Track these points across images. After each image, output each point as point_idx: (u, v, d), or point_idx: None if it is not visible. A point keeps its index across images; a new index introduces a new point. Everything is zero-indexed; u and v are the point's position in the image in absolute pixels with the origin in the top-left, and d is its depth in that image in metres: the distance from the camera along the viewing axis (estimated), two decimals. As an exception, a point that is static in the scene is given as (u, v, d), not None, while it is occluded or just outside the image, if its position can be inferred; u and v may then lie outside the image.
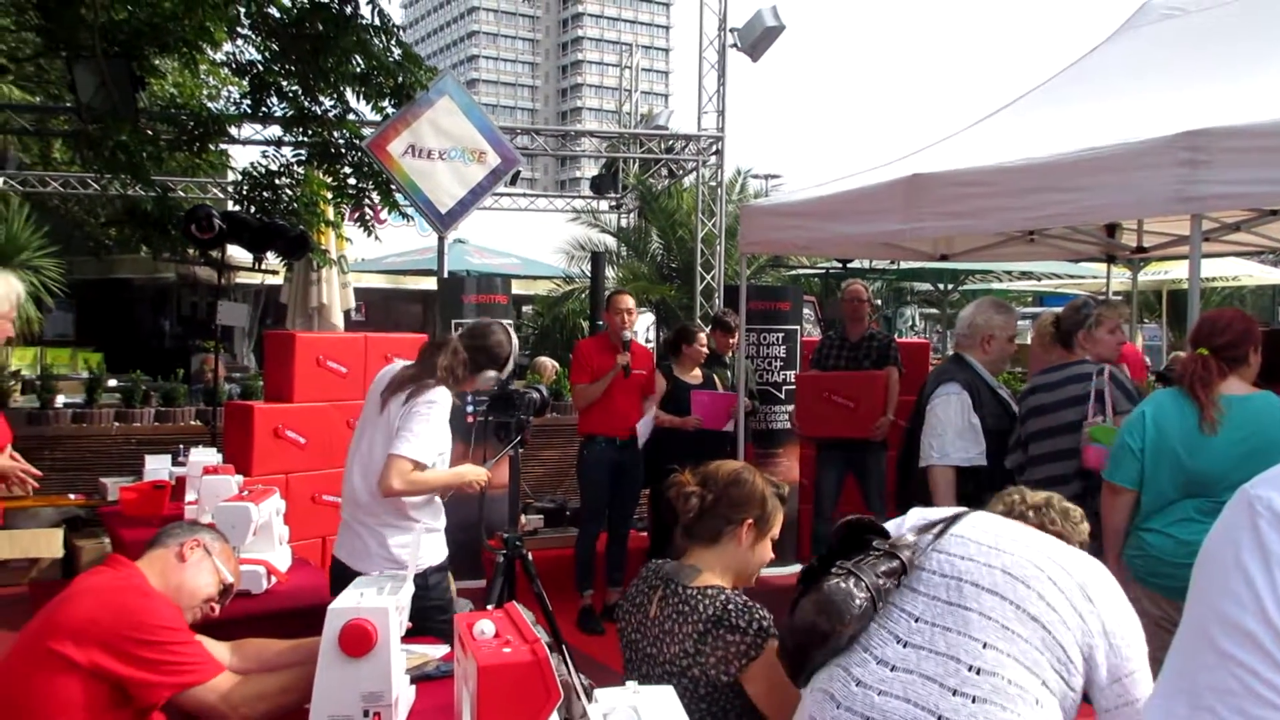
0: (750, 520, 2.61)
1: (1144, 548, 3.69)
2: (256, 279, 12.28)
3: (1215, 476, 3.51)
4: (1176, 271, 13.82)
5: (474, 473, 3.81)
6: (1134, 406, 4.07)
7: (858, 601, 2.04)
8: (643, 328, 14.95)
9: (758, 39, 11.33)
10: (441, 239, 8.71)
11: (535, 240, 17.27)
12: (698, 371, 6.87)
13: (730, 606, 2.45)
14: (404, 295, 16.72)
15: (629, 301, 6.50)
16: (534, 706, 1.92)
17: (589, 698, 1.74)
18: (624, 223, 16.28)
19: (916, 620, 2.04)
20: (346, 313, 10.66)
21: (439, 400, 3.58)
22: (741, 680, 2.41)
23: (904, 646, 2.02)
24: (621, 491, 6.48)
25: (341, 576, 3.55)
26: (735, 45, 11.50)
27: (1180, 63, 5.19)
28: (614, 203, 15.70)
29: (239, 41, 8.45)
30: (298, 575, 4.16)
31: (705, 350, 6.87)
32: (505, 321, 4.10)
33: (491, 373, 3.86)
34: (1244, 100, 4.05)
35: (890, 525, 2.34)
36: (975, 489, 4.43)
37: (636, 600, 2.65)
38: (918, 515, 2.33)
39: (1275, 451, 3.36)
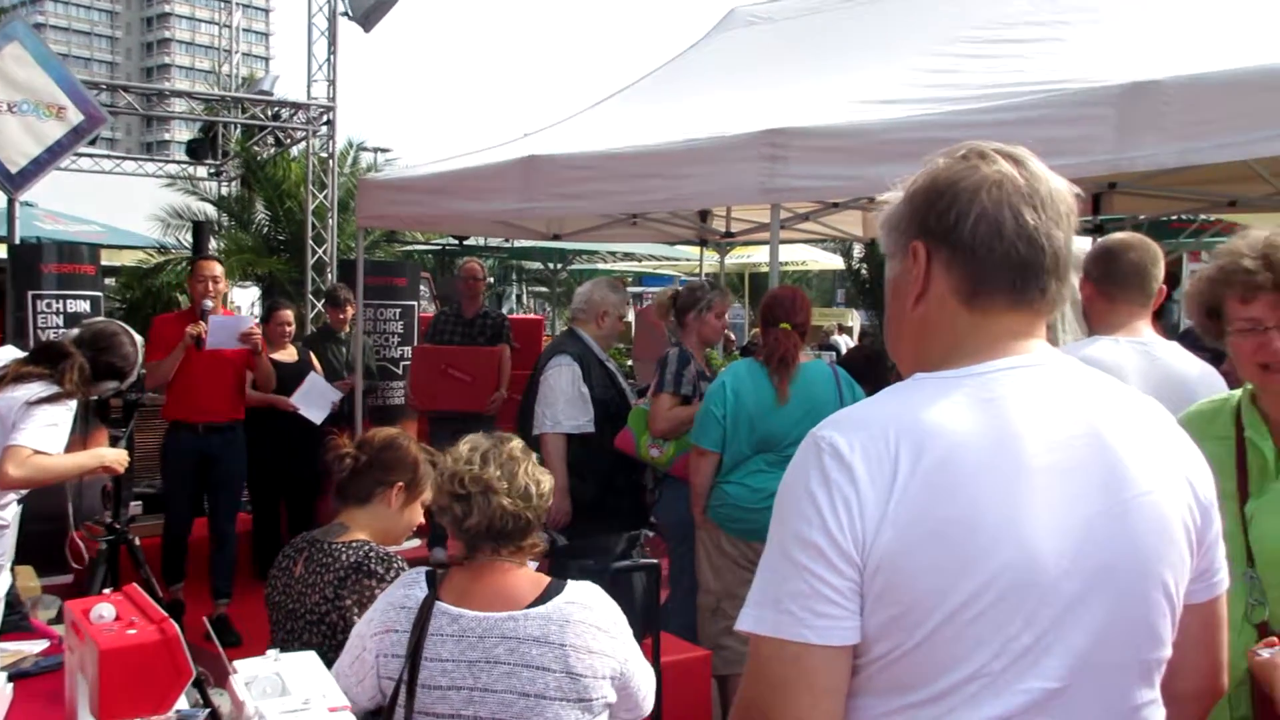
0: (401, 483, 2.72)
1: (725, 498, 4.20)
2: None
3: (781, 434, 4.09)
4: (757, 256, 15.30)
5: (113, 454, 3.57)
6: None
7: None
8: (247, 303, 14.19)
9: (370, 9, 11.08)
10: (12, 202, 7.77)
11: (121, 206, 15.75)
12: (293, 349, 6.60)
13: (371, 554, 2.57)
14: (-47, 264, 14.63)
15: (215, 269, 5.86)
16: (163, 687, 1.87)
17: (228, 671, 1.72)
18: (226, 191, 15.31)
19: None
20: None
21: (66, 421, 3.32)
22: None
23: None
24: (216, 483, 5.83)
25: None
26: (346, 14, 11.19)
27: (765, 65, 5.80)
28: (214, 169, 14.72)
29: None
30: None
31: (290, 327, 6.55)
32: (128, 328, 3.77)
33: (112, 384, 3.59)
34: (817, 103, 4.62)
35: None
36: (584, 454, 4.75)
37: (283, 565, 2.71)
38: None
39: (825, 410, 3.99)
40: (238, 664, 1.70)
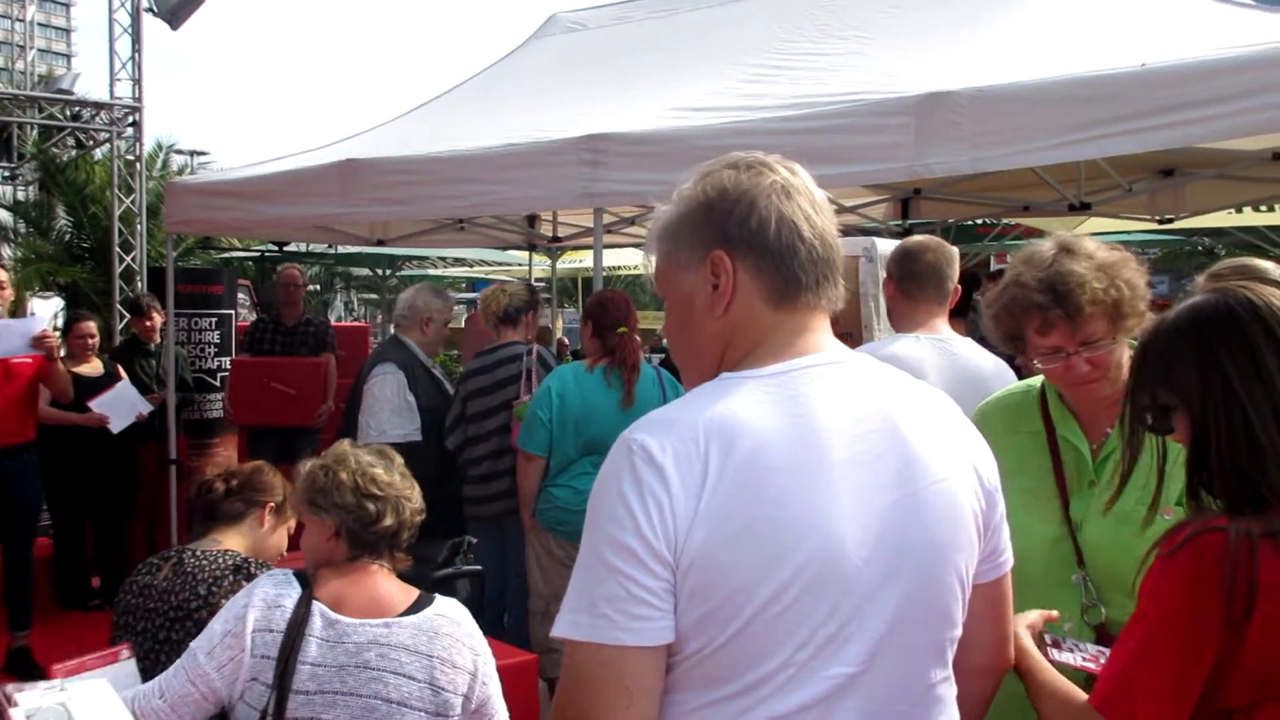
0: (273, 504, 2.84)
1: (552, 501, 4.22)
2: None
3: (607, 436, 4.08)
4: (589, 260, 15.39)
5: None
6: None
7: None
8: (50, 314, 13.27)
9: (176, 6, 10.57)
10: None
11: (-98, 212, 14.61)
12: (97, 362, 6.22)
13: (250, 561, 2.66)
14: None
15: None
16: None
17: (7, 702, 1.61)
18: (22, 195, 14.35)
19: None
20: None
21: None
22: None
23: None
24: (7, 511, 5.34)
25: None
26: (151, 10, 10.64)
27: (584, 71, 5.84)
28: (8, 173, 13.77)
29: None
30: None
31: (93, 340, 6.20)
32: None
33: None
34: (635, 109, 4.67)
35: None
36: (411, 463, 4.65)
37: (144, 571, 2.72)
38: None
39: (650, 411, 4.07)
40: (19, 696, 1.59)
